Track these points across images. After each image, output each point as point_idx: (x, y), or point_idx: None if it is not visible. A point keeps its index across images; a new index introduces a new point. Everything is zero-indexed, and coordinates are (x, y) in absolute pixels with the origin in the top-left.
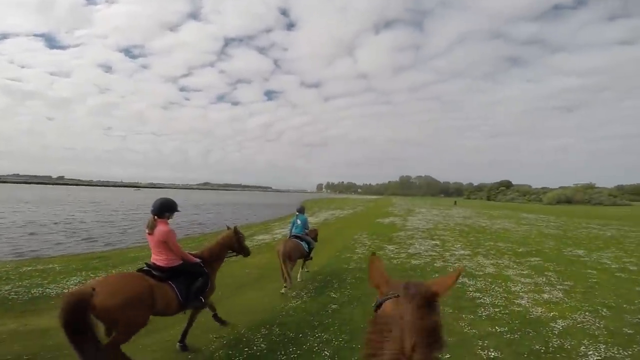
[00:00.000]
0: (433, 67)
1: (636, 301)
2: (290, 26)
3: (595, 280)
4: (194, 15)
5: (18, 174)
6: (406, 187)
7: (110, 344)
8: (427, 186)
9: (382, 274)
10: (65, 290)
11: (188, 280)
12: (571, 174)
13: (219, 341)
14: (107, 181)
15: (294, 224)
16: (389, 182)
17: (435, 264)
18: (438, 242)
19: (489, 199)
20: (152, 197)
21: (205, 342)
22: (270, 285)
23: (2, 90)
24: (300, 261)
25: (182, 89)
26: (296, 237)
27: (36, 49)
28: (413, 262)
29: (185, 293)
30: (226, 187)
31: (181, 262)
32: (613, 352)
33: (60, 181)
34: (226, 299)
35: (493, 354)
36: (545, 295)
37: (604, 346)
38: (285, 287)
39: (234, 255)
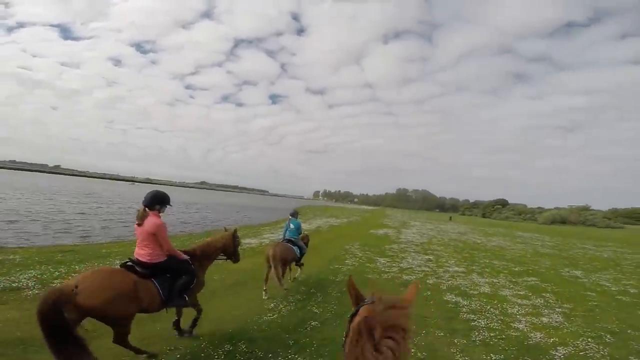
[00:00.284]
0: (438, 80)
1: None
2: (301, 31)
3: (595, 303)
4: (208, 14)
5: (14, 161)
6: (402, 200)
7: (115, 340)
8: (423, 200)
9: (359, 292)
10: (15, 285)
11: (172, 277)
12: (566, 194)
13: (172, 354)
14: (104, 173)
15: (287, 228)
16: (386, 193)
17: (427, 281)
18: (432, 257)
19: (484, 216)
20: (146, 191)
21: (157, 352)
22: (245, 293)
23: (11, 78)
24: (291, 268)
25: (188, 87)
26: (289, 241)
27: (50, 39)
28: (405, 277)
29: (168, 291)
30: (223, 187)
31: (165, 258)
32: None
33: (56, 170)
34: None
35: None
36: (544, 319)
37: None
38: (265, 290)
39: (223, 259)
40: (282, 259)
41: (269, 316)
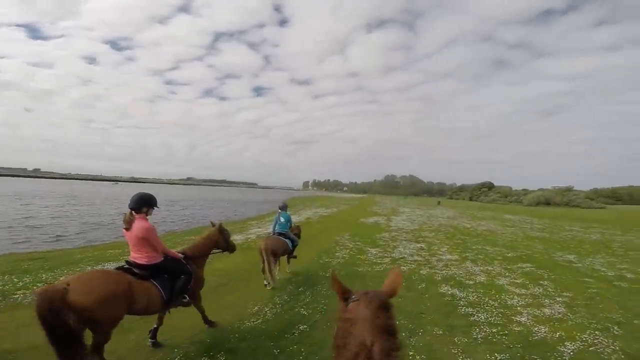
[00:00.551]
0: (422, 68)
1: None
2: (283, 22)
3: (594, 290)
4: (185, 9)
5: None
6: (391, 186)
7: (92, 346)
8: (411, 186)
9: (344, 287)
10: None
11: (171, 278)
12: (549, 176)
13: None
14: (87, 175)
15: (277, 221)
16: (374, 180)
17: (421, 271)
18: (424, 245)
19: (471, 199)
20: (129, 191)
21: None
22: (226, 296)
23: None
24: (288, 260)
25: (168, 83)
26: (280, 234)
27: (17, 39)
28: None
29: (169, 291)
30: (210, 182)
31: (162, 258)
32: None
33: (36, 174)
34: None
35: None
36: (546, 310)
37: None
38: (267, 282)
39: (219, 252)
40: (273, 252)
41: (252, 322)
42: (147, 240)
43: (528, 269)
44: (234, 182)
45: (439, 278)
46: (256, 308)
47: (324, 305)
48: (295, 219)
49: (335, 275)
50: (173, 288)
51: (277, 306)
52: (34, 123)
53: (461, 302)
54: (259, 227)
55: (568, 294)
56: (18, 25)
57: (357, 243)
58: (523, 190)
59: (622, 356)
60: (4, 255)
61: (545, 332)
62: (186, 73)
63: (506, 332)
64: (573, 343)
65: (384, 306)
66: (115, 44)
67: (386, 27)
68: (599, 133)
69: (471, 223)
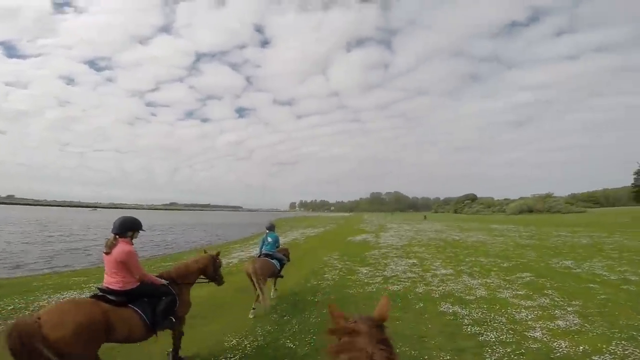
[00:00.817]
0: (400, 85)
1: None
2: (265, 43)
3: (604, 296)
4: (166, 29)
5: None
6: (377, 203)
7: None
8: (397, 201)
9: (343, 320)
10: None
11: (152, 301)
12: (528, 184)
13: None
14: (64, 201)
15: (264, 241)
16: (360, 198)
17: (417, 289)
18: (416, 261)
19: (456, 211)
20: (108, 217)
21: None
22: (203, 327)
23: None
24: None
25: (148, 104)
26: (266, 255)
27: None
28: (391, 288)
29: (152, 315)
30: (194, 207)
31: (138, 283)
32: None
33: (9, 200)
34: (129, 346)
35: None
36: (560, 322)
37: None
38: (253, 309)
39: (205, 282)
40: (262, 274)
41: (229, 357)
42: (126, 264)
43: (528, 278)
44: (218, 206)
45: (437, 295)
46: (234, 341)
47: (312, 336)
48: (281, 240)
49: (334, 307)
50: (155, 311)
51: (259, 338)
52: (8, 146)
53: (465, 321)
54: (242, 251)
55: (578, 303)
56: None
57: (347, 262)
58: (505, 199)
59: None
60: None
61: (567, 347)
62: (167, 94)
63: (522, 350)
64: (602, 356)
65: (379, 326)
66: (94, 64)
67: (364, 45)
68: (570, 140)
69: (460, 235)
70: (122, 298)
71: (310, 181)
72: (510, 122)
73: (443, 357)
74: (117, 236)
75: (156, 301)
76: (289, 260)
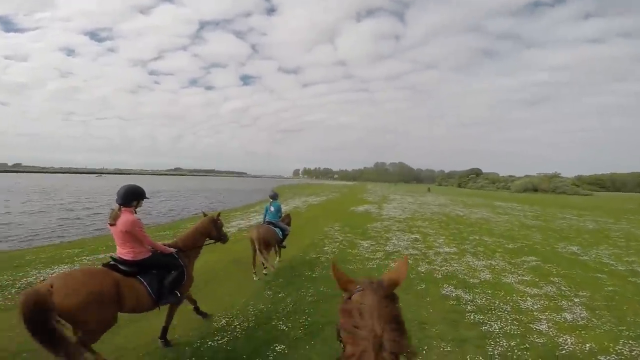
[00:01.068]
0: (411, 57)
1: None
2: (271, 11)
3: (611, 288)
4: None
5: None
6: (381, 173)
7: (78, 344)
8: (401, 172)
9: (346, 278)
10: None
11: (160, 273)
12: (535, 163)
13: None
14: (70, 168)
15: (267, 210)
16: (364, 167)
17: (419, 268)
18: (418, 236)
19: (460, 185)
20: (113, 183)
21: None
22: (189, 305)
23: None
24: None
25: (151, 73)
26: (269, 223)
27: None
28: (392, 264)
29: (158, 288)
30: (198, 172)
31: (150, 254)
32: None
33: (17, 169)
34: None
35: None
36: (567, 315)
37: None
38: (255, 273)
39: (212, 243)
40: (265, 241)
41: (217, 340)
42: (132, 234)
43: (534, 263)
44: (222, 172)
45: (440, 276)
46: (224, 321)
47: (307, 317)
48: (283, 208)
49: (336, 265)
50: (162, 285)
51: (250, 319)
52: (11, 117)
53: (468, 307)
54: (242, 219)
55: (584, 294)
56: None
57: (348, 235)
58: (510, 176)
59: None
60: None
61: (572, 344)
62: (170, 63)
63: (527, 345)
64: (608, 357)
65: (390, 296)
66: (95, 35)
67: (375, 16)
68: (583, 123)
69: (464, 211)
70: (133, 269)
71: (315, 149)
72: (523, 100)
73: (444, 348)
74: (121, 206)
75: (164, 274)
76: (290, 227)
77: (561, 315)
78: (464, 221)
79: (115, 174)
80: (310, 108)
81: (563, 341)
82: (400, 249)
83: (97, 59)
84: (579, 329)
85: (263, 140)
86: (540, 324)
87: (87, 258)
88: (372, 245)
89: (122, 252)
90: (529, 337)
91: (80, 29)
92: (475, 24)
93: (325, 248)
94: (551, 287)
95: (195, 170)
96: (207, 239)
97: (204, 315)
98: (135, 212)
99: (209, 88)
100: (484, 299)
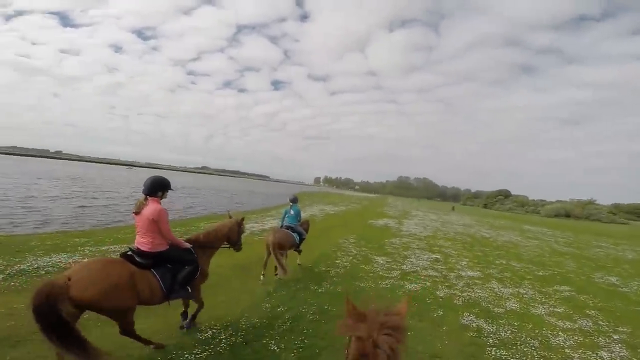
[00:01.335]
0: (443, 69)
1: None
2: (304, 17)
3: None
4: (209, 0)
5: (15, 146)
6: (404, 188)
7: (121, 332)
8: (425, 188)
9: (357, 311)
10: None
11: (175, 268)
12: (567, 187)
13: None
14: (104, 158)
15: (286, 213)
16: (387, 181)
17: (438, 292)
18: (439, 257)
19: (486, 206)
20: (141, 175)
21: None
22: (178, 310)
23: (9, 66)
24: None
25: (189, 73)
26: (288, 227)
27: (50, 26)
28: (408, 286)
29: (170, 282)
30: (224, 172)
31: (167, 247)
32: None
33: (57, 156)
34: (99, 328)
35: None
36: (604, 354)
37: None
38: (263, 275)
39: (227, 247)
40: (280, 246)
41: (196, 354)
42: (157, 223)
43: (567, 293)
44: (246, 174)
45: (460, 302)
46: (209, 333)
47: (304, 339)
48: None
49: (350, 302)
50: (175, 279)
51: (240, 333)
52: (61, 107)
53: (490, 340)
54: (256, 222)
55: (625, 329)
56: (51, 13)
57: (363, 249)
58: (540, 200)
59: None
60: None
61: None
62: (207, 64)
63: None
64: None
65: (394, 312)
66: (141, 33)
67: (409, 26)
68: (623, 145)
69: (490, 232)
70: (149, 260)
71: (338, 158)
72: (561, 119)
73: None
74: (147, 197)
75: (179, 268)
76: (307, 233)
77: (597, 353)
78: (490, 243)
79: (146, 167)
80: (337, 116)
81: None
82: (418, 269)
83: (142, 57)
84: None
85: (288, 146)
86: None
87: (90, 249)
88: (387, 262)
89: (141, 241)
90: None
91: (129, 27)
92: (514, 37)
93: (337, 262)
94: (587, 320)
95: (221, 170)
96: (226, 241)
97: (189, 323)
98: (161, 203)
99: (241, 90)
100: (509, 331)
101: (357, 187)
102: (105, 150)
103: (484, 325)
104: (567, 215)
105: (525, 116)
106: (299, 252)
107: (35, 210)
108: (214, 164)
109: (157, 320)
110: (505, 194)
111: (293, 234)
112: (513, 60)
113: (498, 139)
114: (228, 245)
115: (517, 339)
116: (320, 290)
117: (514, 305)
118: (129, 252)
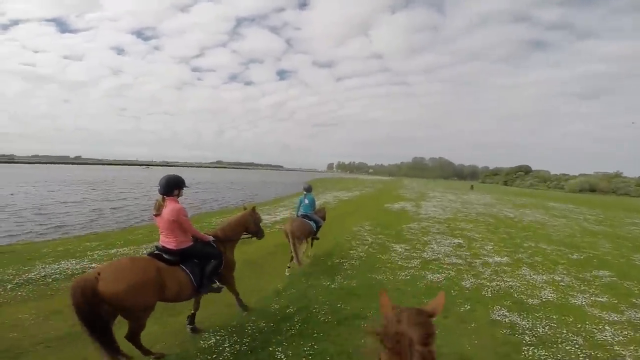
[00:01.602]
0: (451, 49)
1: None
2: (303, 5)
3: None
4: None
5: (37, 155)
6: (419, 169)
7: (127, 335)
8: (441, 168)
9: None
10: None
11: (202, 262)
12: (591, 161)
13: None
14: (122, 160)
15: (301, 202)
16: (402, 162)
17: (463, 282)
18: (462, 241)
19: (506, 183)
20: (157, 174)
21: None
22: (180, 316)
23: (16, 75)
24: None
25: (194, 70)
26: (304, 216)
27: (49, 33)
28: (430, 276)
29: (200, 276)
30: (238, 165)
31: (192, 243)
32: None
33: (77, 161)
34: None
35: None
36: None
37: None
38: (288, 267)
39: (248, 237)
40: (298, 235)
41: None
42: (178, 222)
43: (608, 278)
44: (260, 165)
45: (489, 294)
46: (213, 340)
47: (314, 344)
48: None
49: (385, 295)
50: (203, 273)
51: (245, 339)
52: (73, 113)
53: (527, 338)
54: (269, 214)
55: None
56: (47, 20)
57: (379, 236)
58: (563, 175)
59: None
60: None
61: None
62: (211, 59)
63: None
64: None
65: (428, 317)
66: (141, 34)
67: (411, 7)
68: None
69: (513, 212)
70: (176, 257)
71: (350, 143)
72: (576, 93)
73: None
74: (164, 196)
75: (205, 263)
76: (324, 220)
77: None
78: (515, 224)
79: (162, 165)
80: (345, 102)
81: None
82: (440, 256)
83: (145, 57)
84: None
85: (299, 134)
86: None
87: (99, 252)
88: (406, 250)
89: (166, 240)
90: None
91: (128, 29)
92: (523, 13)
93: (352, 252)
94: (635, 312)
95: (235, 164)
96: (245, 232)
97: (194, 328)
98: (178, 201)
99: (247, 83)
100: (547, 326)
101: (371, 170)
102: (122, 152)
103: (518, 320)
104: (593, 190)
105: (540, 92)
106: (316, 239)
107: (51, 215)
108: (228, 158)
109: (157, 327)
110: (525, 170)
111: (310, 222)
112: (523, 37)
113: (514, 115)
114: (249, 235)
115: (558, 335)
116: (333, 285)
117: (550, 295)
118: (156, 252)
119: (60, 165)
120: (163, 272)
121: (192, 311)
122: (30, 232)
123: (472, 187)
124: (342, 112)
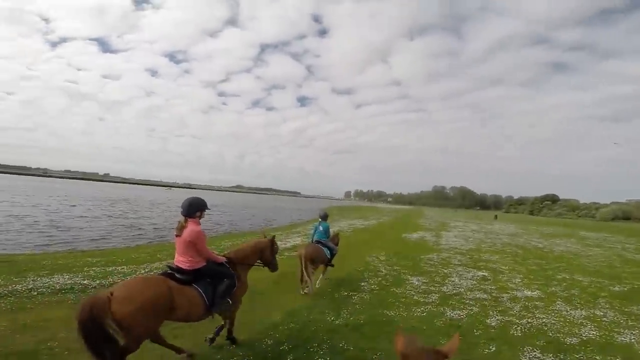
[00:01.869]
0: (470, 74)
1: None
2: (323, 33)
3: None
4: (232, 22)
5: (69, 170)
6: (440, 198)
7: (120, 350)
8: (462, 197)
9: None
10: None
11: (214, 282)
12: (623, 188)
13: None
14: (147, 180)
15: (316, 229)
16: (422, 191)
17: (488, 320)
18: (487, 274)
19: (532, 213)
20: (179, 196)
21: None
22: (176, 339)
23: (62, 92)
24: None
25: (220, 94)
26: (318, 242)
27: (91, 52)
28: (450, 313)
29: (212, 296)
30: (257, 190)
31: (205, 263)
32: None
33: (105, 178)
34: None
35: None
36: None
37: None
38: (303, 290)
39: (261, 266)
40: (312, 260)
41: None
42: (194, 244)
43: None
44: (278, 191)
45: (519, 333)
46: None
47: None
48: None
49: (400, 335)
50: (215, 292)
51: None
52: (106, 132)
53: None
54: (280, 240)
55: None
56: (91, 39)
57: (394, 267)
58: (593, 203)
59: None
60: None
61: None
62: (236, 85)
63: None
64: None
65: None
66: (173, 57)
67: (429, 33)
68: None
69: (542, 242)
70: (189, 277)
71: (368, 170)
72: (603, 117)
73: None
74: (186, 218)
75: (218, 282)
76: (337, 247)
77: None
78: (545, 255)
79: (184, 187)
80: (364, 129)
81: None
82: (461, 290)
83: (176, 79)
84: None
85: (317, 161)
86: None
87: (95, 269)
88: (423, 283)
89: (180, 260)
90: None
91: (162, 51)
92: (541, 35)
93: (363, 283)
94: None
95: (254, 188)
96: (259, 260)
97: (234, 340)
98: (200, 223)
99: (269, 109)
100: None
101: (390, 199)
102: (150, 172)
103: None
104: (627, 218)
105: (564, 116)
106: (331, 265)
107: (66, 229)
108: (248, 182)
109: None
110: (552, 199)
111: (324, 248)
112: (543, 59)
113: (537, 142)
114: (262, 264)
115: None
116: (337, 321)
117: (591, 332)
118: (169, 271)
119: (88, 181)
120: (174, 292)
121: (227, 327)
122: (38, 244)
123: (496, 216)
124: (361, 139)
